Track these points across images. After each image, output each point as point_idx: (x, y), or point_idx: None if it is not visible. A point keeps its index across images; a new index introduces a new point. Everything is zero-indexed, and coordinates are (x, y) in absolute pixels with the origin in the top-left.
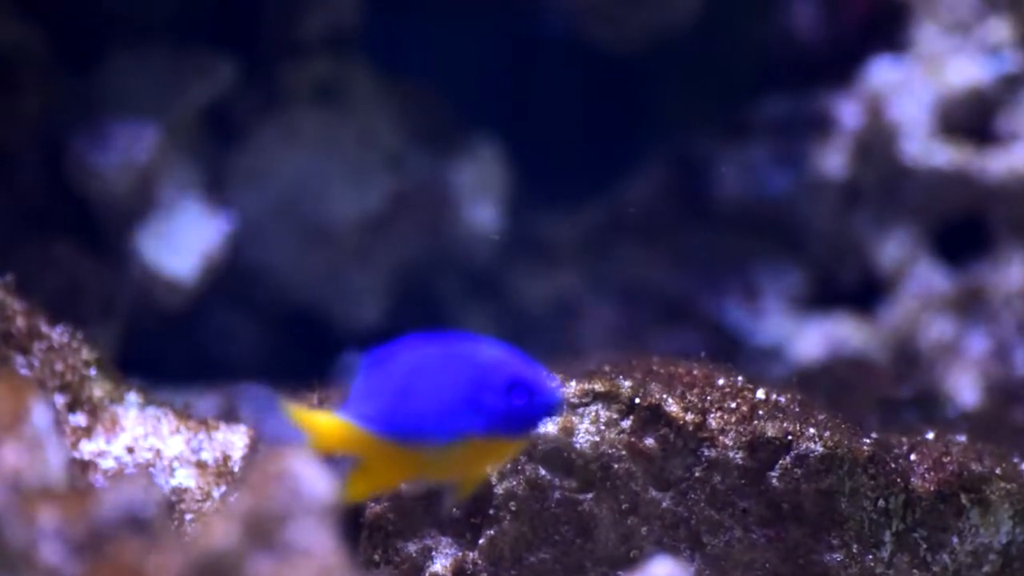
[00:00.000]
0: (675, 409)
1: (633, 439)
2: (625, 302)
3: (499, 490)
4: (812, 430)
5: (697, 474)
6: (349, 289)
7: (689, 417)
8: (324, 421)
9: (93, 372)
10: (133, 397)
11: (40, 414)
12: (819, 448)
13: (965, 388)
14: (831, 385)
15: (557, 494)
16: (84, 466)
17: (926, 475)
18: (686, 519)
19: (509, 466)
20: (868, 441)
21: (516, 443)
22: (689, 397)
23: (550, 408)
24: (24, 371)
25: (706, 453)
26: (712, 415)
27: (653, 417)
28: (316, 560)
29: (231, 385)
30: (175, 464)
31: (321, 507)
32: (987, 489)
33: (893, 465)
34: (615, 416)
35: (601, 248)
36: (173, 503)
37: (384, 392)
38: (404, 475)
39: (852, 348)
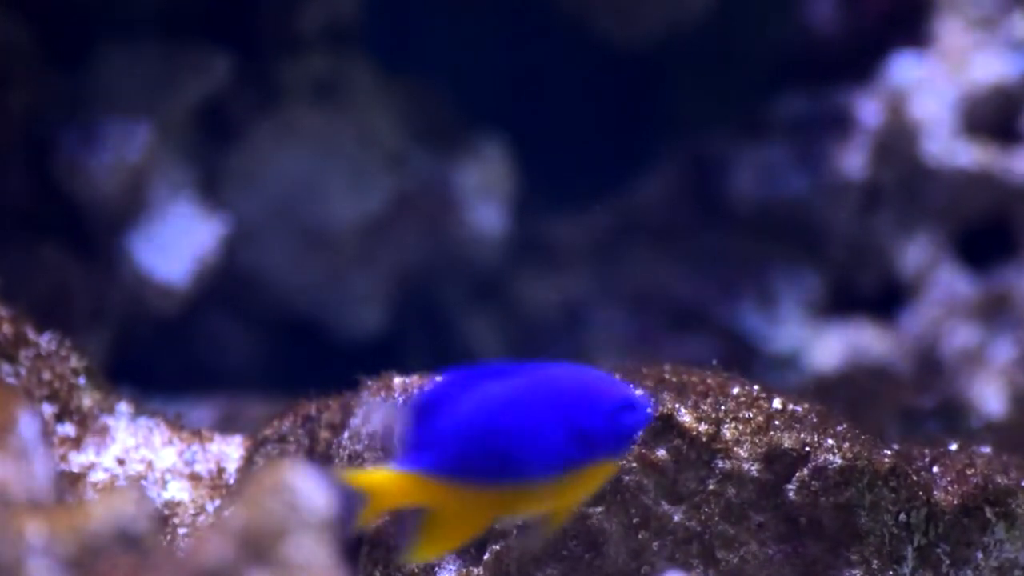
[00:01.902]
0: (688, 419)
1: (644, 450)
2: (635, 307)
3: None
4: (830, 441)
5: (711, 487)
6: (349, 294)
7: (702, 428)
8: (385, 477)
9: (82, 381)
10: (124, 407)
11: (27, 424)
12: (838, 460)
13: (990, 397)
14: (850, 394)
15: None
16: (73, 478)
17: (949, 488)
18: (699, 534)
19: None
20: (889, 453)
21: (618, 462)
22: (702, 407)
23: (652, 419)
24: (10, 380)
25: (720, 465)
26: (726, 425)
27: (665, 427)
28: None
29: (226, 394)
30: (168, 476)
31: (319, 521)
32: (1013, 502)
33: (915, 478)
34: None
35: (611, 251)
36: (166, 517)
37: (457, 434)
38: (491, 518)
39: (872, 356)
